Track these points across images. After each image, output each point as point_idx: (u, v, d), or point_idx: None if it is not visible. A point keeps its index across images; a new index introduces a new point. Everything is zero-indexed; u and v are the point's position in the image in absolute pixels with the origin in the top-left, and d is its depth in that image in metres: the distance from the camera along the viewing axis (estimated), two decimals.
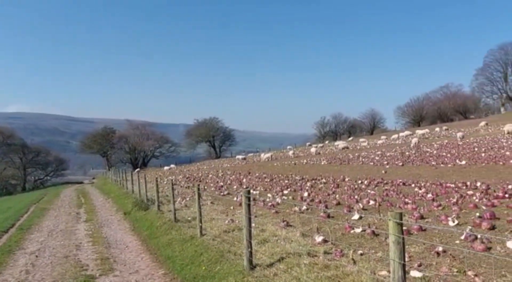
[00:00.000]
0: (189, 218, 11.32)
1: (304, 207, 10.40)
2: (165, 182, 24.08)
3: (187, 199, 15.51)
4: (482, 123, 51.47)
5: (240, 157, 53.30)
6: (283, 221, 8.89)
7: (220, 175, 29.22)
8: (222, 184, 20.94)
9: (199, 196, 9.29)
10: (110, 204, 20.69)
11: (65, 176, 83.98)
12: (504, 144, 25.00)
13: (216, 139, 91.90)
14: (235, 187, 18.63)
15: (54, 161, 79.13)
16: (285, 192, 14.70)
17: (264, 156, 45.93)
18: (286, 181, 18.81)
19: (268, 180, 20.38)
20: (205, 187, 20.05)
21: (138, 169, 57.25)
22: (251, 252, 6.26)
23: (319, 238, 7.14)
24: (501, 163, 16.60)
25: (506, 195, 9.49)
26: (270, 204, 11.55)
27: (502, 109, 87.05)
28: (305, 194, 13.14)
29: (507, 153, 19.64)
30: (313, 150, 44.85)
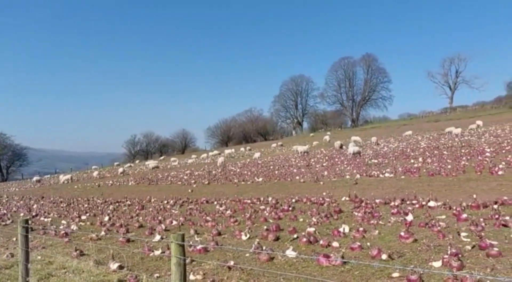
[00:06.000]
0: None
1: (103, 233, 9.70)
2: None
3: None
4: (277, 144, 58.93)
5: (34, 179, 47.10)
6: (76, 250, 8.02)
7: (4, 201, 24.95)
8: (5, 211, 17.88)
9: None
10: None
11: None
12: (293, 162, 28.90)
13: (3, 158, 79.65)
14: (22, 214, 16.09)
15: None
16: (83, 217, 13.44)
17: (63, 177, 41.50)
18: (86, 205, 17.30)
19: (65, 205, 18.41)
20: None
21: None
22: None
23: (114, 265, 6.66)
24: (289, 179, 19.02)
25: (290, 208, 10.83)
26: (62, 232, 10.29)
27: (293, 132, 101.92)
28: (106, 218, 12.26)
29: (294, 170, 22.71)
30: (121, 170, 43.00)
